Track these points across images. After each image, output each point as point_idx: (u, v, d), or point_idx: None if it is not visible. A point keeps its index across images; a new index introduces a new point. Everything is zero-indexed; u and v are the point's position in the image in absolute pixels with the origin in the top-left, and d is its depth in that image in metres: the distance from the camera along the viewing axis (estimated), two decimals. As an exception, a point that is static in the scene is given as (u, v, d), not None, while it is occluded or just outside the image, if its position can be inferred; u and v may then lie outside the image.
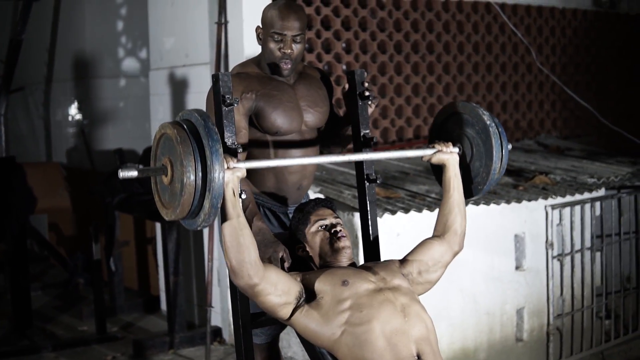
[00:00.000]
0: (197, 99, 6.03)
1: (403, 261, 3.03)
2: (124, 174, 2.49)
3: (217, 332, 5.83)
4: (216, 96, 2.91)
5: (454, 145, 3.14)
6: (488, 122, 3.07)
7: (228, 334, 5.79)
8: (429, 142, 3.29)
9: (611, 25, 8.12)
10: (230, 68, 5.43)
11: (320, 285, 2.79)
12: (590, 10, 7.89)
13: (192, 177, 2.49)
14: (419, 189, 5.20)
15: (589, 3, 7.87)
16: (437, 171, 3.24)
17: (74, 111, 8.65)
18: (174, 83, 6.31)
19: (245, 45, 5.45)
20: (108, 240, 6.54)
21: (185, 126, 2.57)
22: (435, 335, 2.80)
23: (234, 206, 2.65)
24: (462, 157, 3.16)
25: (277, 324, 3.22)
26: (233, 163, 2.65)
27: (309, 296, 2.80)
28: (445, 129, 3.25)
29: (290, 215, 3.36)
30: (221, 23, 5.57)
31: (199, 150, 2.51)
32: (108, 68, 8.39)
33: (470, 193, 3.20)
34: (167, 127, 2.59)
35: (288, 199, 3.42)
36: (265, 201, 3.38)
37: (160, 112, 6.57)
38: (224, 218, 2.66)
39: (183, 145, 2.50)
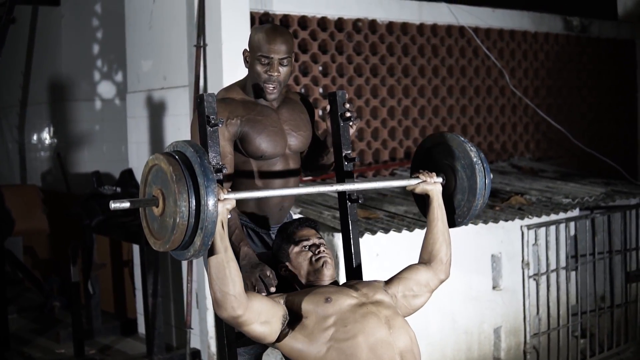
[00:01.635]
0: (175, 121, 6.04)
1: (388, 282, 3.03)
2: (115, 205, 2.50)
3: (195, 354, 5.81)
4: (201, 117, 2.93)
5: (437, 175, 3.16)
6: (475, 159, 3.09)
7: (207, 355, 5.77)
8: (412, 169, 3.31)
9: (582, 48, 8.26)
10: (209, 91, 5.46)
11: (304, 305, 2.80)
12: (561, 34, 8.02)
13: (185, 217, 2.49)
14: (397, 209, 5.25)
15: (561, 27, 8.00)
16: (420, 200, 3.26)
17: (49, 134, 8.62)
18: (152, 106, 6.31)
19: (224, 68, 5.47)
20: (86, 263, 6.51)
21: (179, 160, 2.56)
22: (419, 347, 2.83)
23: (222, 238, 2.66)
24: (444, 187, 3.17)
25: (261, 344, 3.22)
26: (224, 194, 2.65)
27: (294, 318, 2.81)
28: (429, 157, 3.26)
29: (273, 235, 3.38)
30: (200, 46, 5.60)
31: (194, 188, 2.51)
32: (84, 91, 8.38)
33: (451, 224, 3.20)
34: (162, 161, 2.58)
35: (270, 219, 3.44)
36: (247, 221, 3.40)
37: (137, 135, 6.57)
38: (210, 250, 2.66)
39: (179, 185, 2.50)
